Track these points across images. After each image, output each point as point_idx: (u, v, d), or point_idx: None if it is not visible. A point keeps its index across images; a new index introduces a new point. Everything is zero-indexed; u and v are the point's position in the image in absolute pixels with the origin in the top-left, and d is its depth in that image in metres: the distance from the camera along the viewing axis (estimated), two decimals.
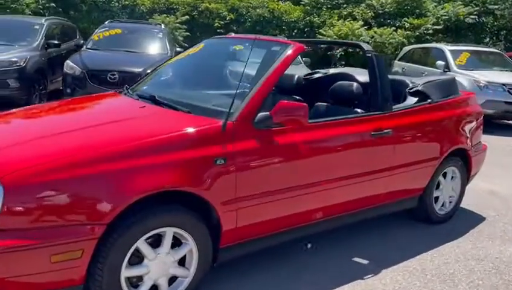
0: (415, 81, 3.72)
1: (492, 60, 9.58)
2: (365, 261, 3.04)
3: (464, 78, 8.23)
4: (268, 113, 2.46)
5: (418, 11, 13.29)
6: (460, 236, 3.53)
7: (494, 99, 7.91)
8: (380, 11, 13.46)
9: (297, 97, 3.82)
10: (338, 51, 12.46)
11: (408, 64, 10.27)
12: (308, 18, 13.88)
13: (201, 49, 3.42)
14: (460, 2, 12.93)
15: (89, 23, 12.46)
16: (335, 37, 12.21)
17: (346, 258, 3.06)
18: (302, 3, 14.39)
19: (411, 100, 3.46)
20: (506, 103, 8.01)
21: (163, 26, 9.39)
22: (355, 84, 3.31)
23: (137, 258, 2.19)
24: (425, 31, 12.58)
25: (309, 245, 3.05)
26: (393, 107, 3.23)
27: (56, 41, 7.94)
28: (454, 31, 13.01)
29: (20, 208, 1.89)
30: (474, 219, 3.91)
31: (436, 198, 3.68)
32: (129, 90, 3.13)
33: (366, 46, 3.25)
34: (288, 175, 2.59)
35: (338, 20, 13.11)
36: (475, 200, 4.27)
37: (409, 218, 3.72)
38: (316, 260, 3.00)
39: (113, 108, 2.96)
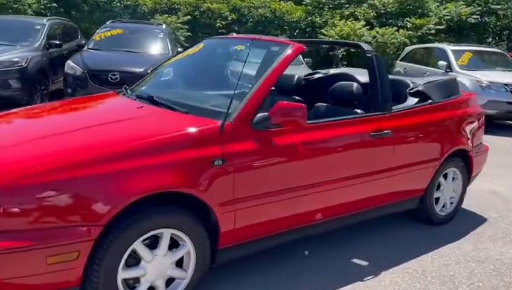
0: (416, 81, 3.70)
1: (495, 60, 9.53)
2: (365, 263, 3.02)
3: (466, 79, 8.19)
4: (266, 113, 2.45)
5: (420, 11, 13.24)
6: (461, 237, 3.50)
7: (496, 100, 7.87)
8: (382, 11, 13.43)
9: (297, 98, 3.81)
10: (340, 51, 12.43)
11: (410, 64, 10.23)
12: (310, 18, 13.86)
13: (200, 49, 3.41)
14: (462, 2, 12.87)
15: (90, 23, 12.47)
16: (337, 37, 12.18)
17: (346, 260, 3.04)
18: (304, 3, 14.37)
19: (411, 101, 3.44)
20: (508, 103, 7.96)
21: (164, 26, 9.38)
22: (355, 84, 3.29)
23: (134, 260, 2.18)
24: (427, 31, 12.53)
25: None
26: (394, 107, 3.21)
27: (57, 42, 7.94)
28: (457, 31, 12.95)
29: (16, 209, 1.88)
30: (475, 220, 3.88)
31: (437, 199, 3.66)
32: (128, 90, 3.12)
33: (366, 46, 3.23)
34: (287, 176, 2.57)
35: (340, 20, 13.07)
36: (477, 201, 4.24)
37: (409, 219, 3.70)
38: (316, 261, 2.98)
39: (110, 109, 2.95)
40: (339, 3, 13.94)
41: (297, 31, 13.82)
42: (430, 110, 3.40)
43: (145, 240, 2.17)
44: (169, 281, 2.33)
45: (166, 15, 13.11)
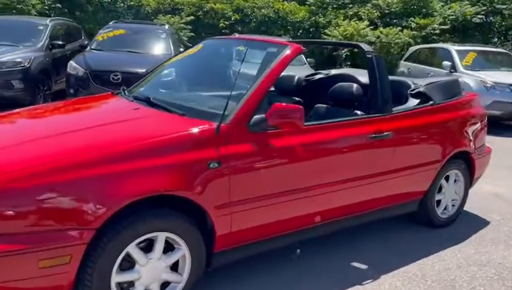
0: (417, 82, 3.66)
1: (500, 61, 9.45)
2: (365, 266, 2.99)
3: (471, 79, 8.13)
4: (263, 115, 2.42)
5: (424, 10, 13.16)
6: (463, 241, 3.46)
7: (501, 100, 7.80)
8: (386, 11, 13.36)
9: (297, 99, 3.78)
10: (344, 51, 12.40)
11: (414, 64, 10.17)
12: (313, 18, 13.82)
13: (199, 50, 3.39)
14: (467, 2, 12.77)
15: (94, 23, 12.48)
16: (340, 37, 12.12)
17: (346, 263, 3.01)
18: (308, 3, 14.32)
19: (413, 102, 3.40)
20: None
21: (167, 26, 9.38)
22: (355, 85, 3.26)
23: (129, 263, 2.16)
24: (431, 31, 12.45)
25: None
26: (394, 109, 3.17)
27: (60, 42, 7.95)
28: (462, 31, 12.86)
29: (7, 212, 1.86)
30: (477, 223, 3.83)
31: (439, 201, 3.61)
32: (126, 91, 3.10)
33: (366, 47, 3.19)
34: (284, 179, 2.54)
35: (344, 20, 13.02)
36: (479, 204, 4.19)
37: (410, 222, 3.66)
38: (315, 263, 2.96)
39: (106, 110, 2.93)
40: (343, 3, 13.88)
41: (300, 31, 13.78)
42: (432, 112, 3.36)
43: (139, 243, 2.15)
44: (165, 285, 2.31)
45: (170, 15, 13.12)
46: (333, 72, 4.37)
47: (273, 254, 2.87)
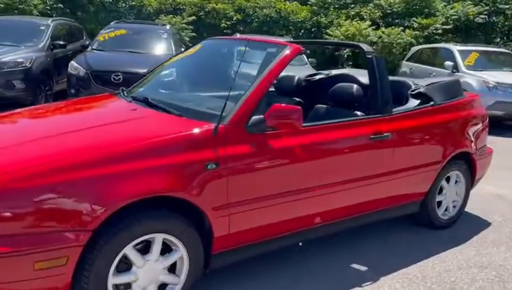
0: (418, 82, 3.64)
1: (502, 61, 9.40)
2: (364, 268, 2.97)
3: (473, 79, 8.10)
4: (262, 116, 2.40)
5: (426, 10, 13.11)
6: (464, 242, 3.43)
7: (503, 101, 7.76)
8: (388, 11, 13.32)
9: (297, 99, 3.77)
10: (345, 51, 12.37)
11: (416, 64, 10.13)
12: (315, 18, 13.80)
13: (198, 50, 3.37)
14: (470, 2, 12.71)
15: (96, 23, 12.50)
16: (342, 37, 12.10)
17: (346, 264, 2.99)
18: (309, 3, 14.30)
19: (413, 102, 3.37)
20: None
21: (168, 26, 9.37)
22: (355, 86, 3.23)
23: (126, 265, 2.14)
24: (434, 31, 12.40)
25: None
26: (395, 109, 3.15)
27: (62, 42, 7.96)
28: (464, 31, 12.81)
29: (5, 213, 1.85)
30: (478, 224, 3.81)
31: (439, 203, 3.59)
32: (125, 92, 3.09)
33: (365, 47, 3.18)
34: (283, 180, 2.52)
35: (345, 20, 12.99)
36: (480, 205, 4.16)
37: (411, 223, 3.64)
38: (314, 265, 2.94)
39: (103, 111, 2.92)
40: (345, 3, 13.86)
41: (302, 31, 13.77)
42: (432, 112, 3.33)
43: (136, 245, 2.14)
44: (162, 286, 2.29)
45: (171, 15, 13.12)
46: (333, 72, 4.36)
47: (272, 255, 2.86)
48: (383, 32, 12.29)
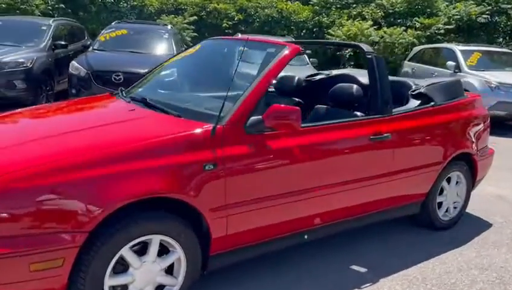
0: (419, 83, 3.62)
1: (505, 61, 9.36)
2: (364, 269, 2.95)
3: (475, 79, 8.06)
4: (260, 117, 2.39)
5: (429, 10, 13.07)
6: (464, 243, 3.41)
7: (506, 101, 7.72)
8: (390, 11, 13.28)
9: (297, 99, 3.75)
10: (347, 51, 12.34)
11: (418, 64, 10.10)
12: (317, 18, 13.77)
13: (197, 50, 3.36)
14: (472, 2, 12.66)
15: (97, 24, 12.51)
16: (344, 37, 12.07)
17: (345, 266, 2.98)
18: (311, 3, 14.28)
19: (413, 103, 3.35)
20: None
21: (169, 26, 9.37)
22: (355, 86, 3.22)
23: (122, 267, 2.13)
24: (436, 31, 12.36)
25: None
26: (395, 110, 3.13)
27: (63, 42, 7.96)
28: (466, 31, 12.76)
29: (3, 214, 1.83)
30: (479, 225, 3.78)
31: (440, 204, 3.57)
32: (123, 92, 3.08)
33: (365, 47, 3.16)
34: (281, 181, 2.51)
35: (347, 20, 12.96)
36: (482, 206, 4.14)
37: (411, 224, 3.62)
38: (313, 266, 2.92)
39: (101, 112, 2.91)
40: (347, 3, 13.82)
41: (304, 31, 13.74)
42: (432, 113, 3.31)
43: (133, 246, 2.12)
44: (159, 288, 2.28)
45: (173, 15, 13.11)
46: (334, 72, 4.34)
47: (271, 256, 2.85)
48: (385, 32, 12.26)
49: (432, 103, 3.35)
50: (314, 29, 13.67)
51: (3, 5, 11.31)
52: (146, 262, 2.17)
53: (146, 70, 6.47)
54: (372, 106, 3.04)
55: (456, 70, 8.48)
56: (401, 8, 13.22)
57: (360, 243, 3.28)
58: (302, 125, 2.52)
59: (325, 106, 3.34)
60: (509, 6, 12.63)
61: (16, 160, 2.02)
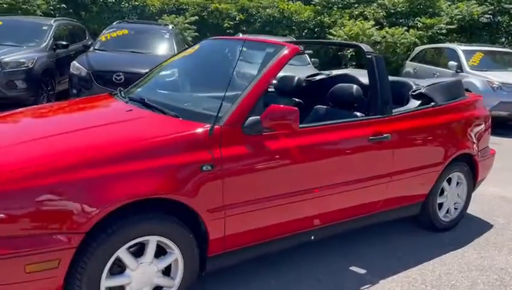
0: (419, 83, 3.60)
1: (507, 61, 9.31)
2: (363, 271, 2.93)
3: (477, 79, 8.03)
4: (258, 117, 2.37)
5: (431, 10, 13.03)
6: (465, 245, 3.39)
7: (508, 101, 7.69)
8: (392, 11, 13.25)
9: (297, 100, 3.74)
10: (349, 51, 12.31)
11: (420, 64, 10.07)
12: (318, 18, 13.74)
13: (196, 50, 3.35)
14: (474, 1, 12.60)
15: (99, 24, 12.52)
16: (345, 37, 12.04)
17: (344, 267, 2.96)
18: (313, 3, 14.25)
19: (414, 103, 3.33)
20: None
21: (171, 26, 9.36)
22: (355, 86, 3.20)
23: (119, 268, 2.12)
24: (438, 31, 12.32)
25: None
26: (395, 110, 3.11)
27: (64, 42, 7.96)
28: (469, 31, 12.72)
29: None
30: (481, 227, 3.76)
31: (441, 205, 3.55)
32: (122, 92, 3.07)
33: (365, 47, 3.14)
34: (279, 182, 2.49)
35: (349, 20, 12.93)
36: (483, 207, 4.12)
37: (411, 225, 3.60)
38: (312, 267, 2.90)
39: (99, 112, 2.89)
40: (348, 3, 13.79)
41: (305, 31, 13.71)
42: (433, 113, 3.29)
43: (130, 247, 2.11)
44: (157, 289, 2.27)
45: (174, 15, 13.10)
46: (334, 72, 4.32)
47: (270, 257, 2.84)
48: (386, 32, 12.22)
49: (433, 104, 3.33)
50: (316, 29, 13.64)
51: (5, 5, 11.33)
52: (143, 263, 2.16)
53: (147, 70, 6.49)
54: (372, 106, 3.02)
55: (458, 71, 8.45)
56: (403, 8, 13.19)
57: (359, 245, 3.26)
58: (301, 125, 2.50)
59: (324, 106, 3.32)
60: None
61: (11, 160, 2.01)
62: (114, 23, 8.77)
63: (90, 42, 9.08)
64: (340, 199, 2.81)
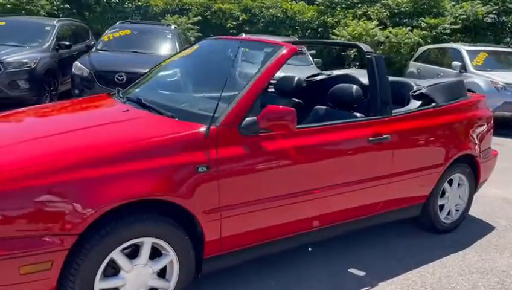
0: (420, 83, 3.56)
1: None
2: (362, 273, 2.90)
3: (481, 80, 7.98)
4: (255, 118, 2.34)
5: (435, 10, 12.96)
6: (466, 247, 3.35)
7: None
8: (396, 11, 13.19)
9: (297, 100, 3.71)
10: (352, 51, 12.27)
11: (423, 64, 10.01)
12: (322, 18, 13.71)
13: (195, 50, 3.33)
14: (479, 1, 12.52)
15: (102, 24, 12.54)
16: (349, 37, 12.00)
17: (343, 269, 2.93)
18: (316, 3, 14.22)
19: (414, 104, 3.30)
20: None
21: (173, 27, 9.36)
22: (355, 86, 3.16)
23: (113, 270, 2.10)
24: (442, 31, 12.25)
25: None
26: (395, 111, 3.08)
27: (67, 43, 7.98)
28: (473, 31, 12.64)
29: None
30: (482, 228, 3.71)
31: (442, 206, 3.51)
32: (120, 93, 3.05)
33: (365, 47, 3.11)
34: (277, 183, 2.46)
35: (352, 20, 12.89)
36: (485, 208, 4.08)
37: (412, 227, 3.56)
38: (310, 268, 2.88)
39: (96, 112, 2.87)
40: (352, 3, 13.75)
41: (309, 31, 13.68)
42: (434, 114, 3.25)
43: (124, 249, 2.09)
44: None
45: (177, 15, 13.11)
46: (335, 72, 4.29)
47: (270, 257, 2.82)
48: (390, 32, 12.17)
49: (433, 104, 3.29)
50: (319, 29, 13.60)
51: (9, 6, 11.37)
52: (137, 265, 2.14)
53: (148, 70, 6.50)
54: (372, 107, 2.99)
55: (462, 71, 8.39)
56: (407, 8, 13.12)
57: (359, 246, 3.23)
58: (299, 126, 2.48)
59: (324, 107, 3.30)
60: None
61: (4, 161, 1.99)
62: (117, 24, 8.78)
63: (93, 42, 9.09)
64: (339, 200, 2.78)
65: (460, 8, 12.67)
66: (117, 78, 6.66)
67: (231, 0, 14.00)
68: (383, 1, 13.33)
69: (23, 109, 2.95)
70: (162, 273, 2.26)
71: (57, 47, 7.81)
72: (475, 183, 3.66)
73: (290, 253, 2.92)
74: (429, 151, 3.23)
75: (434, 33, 12.27)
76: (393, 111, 3.05)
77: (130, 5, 13.81)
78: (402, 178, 3.05)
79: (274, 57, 2.60)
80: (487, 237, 3.56)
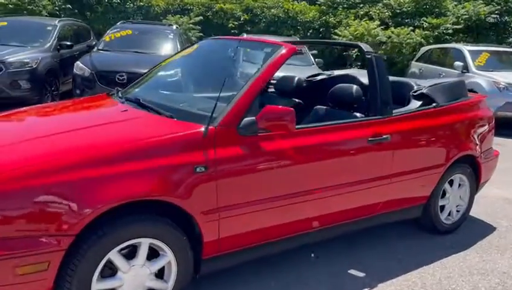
0: (421, 83, 3.55)
1: None
2: (362, 274, 2.89)
3: (483, 80, 7.94)
4: (254, 118, 2.33)
5: (437, 10, 12.92)
6: (467, 248, 3.33)
7: None
8: (398, 11, 13.15)
9: (297, 100, 3.69)
10: (354, 51, 12.24)
11: (425, 65, 9.98)
12: (323, 18, 13.69)
13: (195, 50, 3.32)
14: (481, 1, 12.46)
15: (104, 24, 12.54)
16: (350, 37, 11.98)
17: (343, 270, 2.91)
18: (318, 3, 14.19)
19: (415, 104, 3.28)
20: None
21: (175, 27, 9.36)
22: (355, 86, 3.15)
23: (110, 270, 2.09)
24: (444, 31, 12.21)
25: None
26: (395, 111, 3.06)
27: (68, 43, 7.98)
28: (475, 31, 12.59)
29: None
30: (483, 229, 3.69)
31: (442, 207, 3.49)
32: (119, 93, 3.05)
33: (365, 47, 3.09)
34: (275, 184, 2.45)
35: (354, 20, 12.86)
36: (487, 209, 4.05)
37: (413, 227, 3.54)
38: (309, 269, 2.86)
39: (94, 112, 2.86)
40: (353, 3, 13.72)
41: (310, 31, 13.66)
42: (434, 114, 3.23)
43: (122, 249, 2.09)
44: None
45: (179, 15, 13.10)
46: (336, 72, 4.28)
47: (271, 257, 2.81)
48: (392, 32, 12.14)
49: (434, 104, 3.27)
50: (321, 29, 13.58)
51: (11, 6, 11.39)
52: (135, 266, 2.13)
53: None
54: (372, 107, 2.97)
55: (464, 71, 8.36)
56: (409, 8, 13.08)
57: (359, 247, 3.22)
58: (298, 126, 2.46)
59: (324, 107, 3.28)
60: None
61: (6, 161, 1.99)
62: (118, 24, 8.78)
63: (94, 42, 9.10)
64: (339, 201, 2.76)
65: (463, 8, 12.62)
66: (118, 78, 6.66)
67: (233, 0, 13.99)
68: (385, 1, 13.29)
69: (23, 108, 2.95)
70: (159, 274, 2.25)
71: (58, 47, 7.82)
72: (476, 183, 3.64)
73: (290, 253, 2.90)
74: (430, 151, 3.21)
75: (436, 33, 12.22)
76: (393, 111, 3.03)
77: (131, 5, 13.82)
78: (402, 178, 3.04)
79: (273, 56, 2.58)
80: (488, 238, 3.54)
